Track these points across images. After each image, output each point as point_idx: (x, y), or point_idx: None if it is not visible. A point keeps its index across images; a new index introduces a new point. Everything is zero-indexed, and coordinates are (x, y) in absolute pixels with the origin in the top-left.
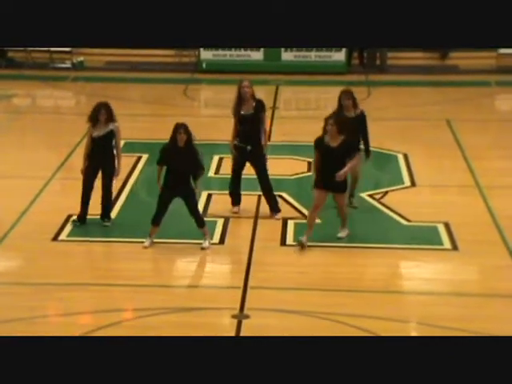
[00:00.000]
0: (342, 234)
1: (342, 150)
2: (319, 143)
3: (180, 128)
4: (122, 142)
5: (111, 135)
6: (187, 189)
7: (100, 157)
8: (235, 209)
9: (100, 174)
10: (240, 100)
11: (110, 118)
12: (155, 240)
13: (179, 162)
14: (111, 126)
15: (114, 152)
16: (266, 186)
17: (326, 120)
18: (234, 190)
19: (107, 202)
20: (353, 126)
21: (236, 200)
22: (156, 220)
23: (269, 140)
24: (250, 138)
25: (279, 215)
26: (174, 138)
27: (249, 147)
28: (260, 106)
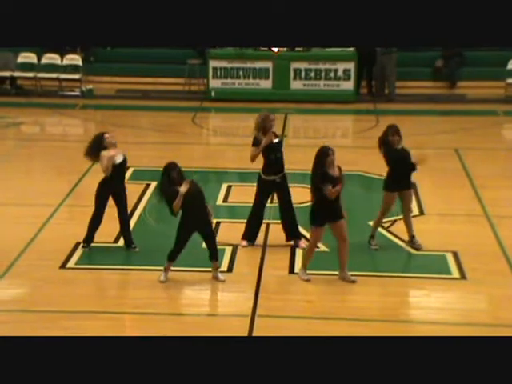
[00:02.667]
0: (352, 277)
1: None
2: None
3: (173, 170)
4: (130, 170)
5: (126, 162)
6: (208, 227)
7: (118, 183)
8: (301, 243)
9: (112, 202)
10: (264, 132)
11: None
12: (172, 269)
13: (197, 209)
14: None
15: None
16: (294, 216)
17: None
18: (259, 221)
19: (128, 228)
20: (404, 158)
21: (256, 233)
22: (174, 256)
23: None
24: (278, 167)
25: (304, 243)
26: (169, 177)
27: (278, 179)
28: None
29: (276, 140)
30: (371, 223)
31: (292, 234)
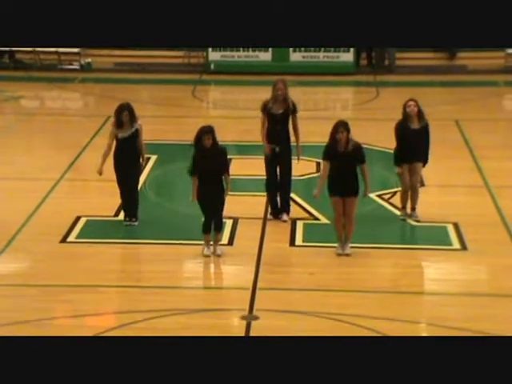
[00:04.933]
0: (348, 250)
1: (353, 154)
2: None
3: (205, 133)
4: None
5: (136, 135)
6: (219, 188)
7: (128, 157)
8: (284, 216)
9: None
10: (273, 100)
11: (133, 118)
12: (165, 241)
13: (211, 165)
14: (136, 126)
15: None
16: (288, 189)
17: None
18: (274, 195)
19: (135, 202)
20: (416, 137)
21: (282, 206)
22: (208, 228)
23: None
24: (279, 138)
25: (287, 217)
26: (199, 143)
27: (277, 149)
28: (293, 106)
29: (279, 111)
30: (372, 195)
31: (280, 205)
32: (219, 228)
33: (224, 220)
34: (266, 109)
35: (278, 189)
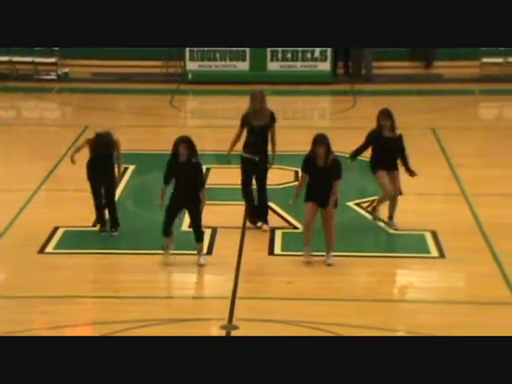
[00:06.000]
0: (330, 260)
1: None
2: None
3: (181, 143)
4: None
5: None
6: (193, 199)
7: (103, 168)
8: (264, 226)
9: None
10: (253, 111)
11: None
12: (143, 251)
13: (185, 176)
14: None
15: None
16: (265, 198)
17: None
18: (251, 202)
19: (114, 213)
20: (389, 144)
21: (260, 212)
22: (168, 231)
23: None
24: (258, 149)
25: (267, 227)
26: (175, 153)
27: (256, 158)
28: (272, 117)
29: (260, 124)
30: (350, 204)
31: (258, 215)
32: (200, 239)
33: (203, 230)
34: (246, 121)
35: (257, 198)
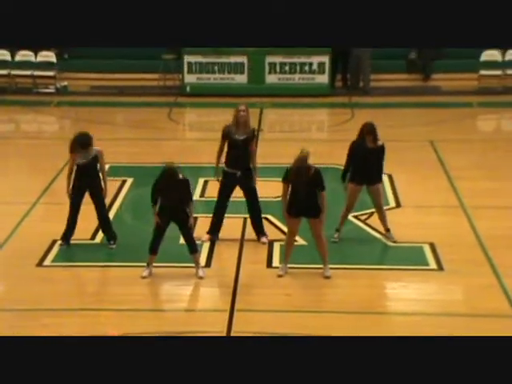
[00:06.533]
0: (328, 273)
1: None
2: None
3: (168, 170)
4: (106, 166)
5: (95, 161)
6: (182, 215)
7: (87, 181)
8: (262, 239)
9: (90, 200)
10: (236, 124)
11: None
12: (142, 264)
13: (172, 196)
14: (94, 152)
15: (100, 176)
16: (258, 211)
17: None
18: (220, 216)
19: (108, 225)
20: (371, 156)
21: (217, 227)
22: (154, 248)
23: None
24: (240, 163)
25: (266, 239)
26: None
27: (238, 173)
28: (253, 132)
29: (241, 137)
30: (348, 216)
31: (255, 229)
32: (194, 250)
33: (200, 242)
34: (227, 134)
35: (250, 212)
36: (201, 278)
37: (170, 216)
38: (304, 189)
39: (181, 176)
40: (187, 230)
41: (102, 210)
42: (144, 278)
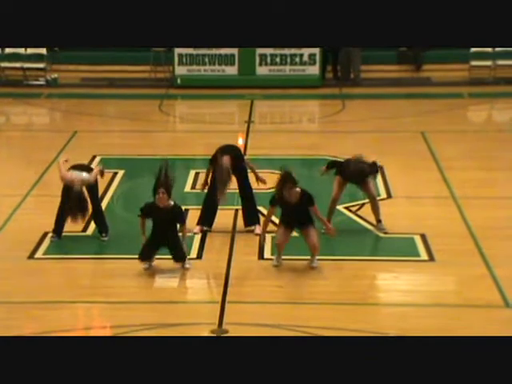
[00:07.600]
0: (315, 263)
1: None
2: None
3: (160, 187)
4: (97, 158)
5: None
6: (172, 235)
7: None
8: (257, 230)
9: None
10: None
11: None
12: (134, 256)
13: (164, 220)
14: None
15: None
16: (253, 199)
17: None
18: (212, 207)
19: (103, 218)
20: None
21: (210, 218)
22: (144, 256)
23: (244, 154)
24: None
25: (259, 229)
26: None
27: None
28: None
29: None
30: (340, 207)
31: (249, 220)
32: (181, 259)
33: (191, 234)
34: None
35: (242, 202)
36: (187, 269)
37: (161, 238)
38: (293, 209)
39: (172, 203)
40: (177, 245)
41: (95, 202)
42: (146, 269)
